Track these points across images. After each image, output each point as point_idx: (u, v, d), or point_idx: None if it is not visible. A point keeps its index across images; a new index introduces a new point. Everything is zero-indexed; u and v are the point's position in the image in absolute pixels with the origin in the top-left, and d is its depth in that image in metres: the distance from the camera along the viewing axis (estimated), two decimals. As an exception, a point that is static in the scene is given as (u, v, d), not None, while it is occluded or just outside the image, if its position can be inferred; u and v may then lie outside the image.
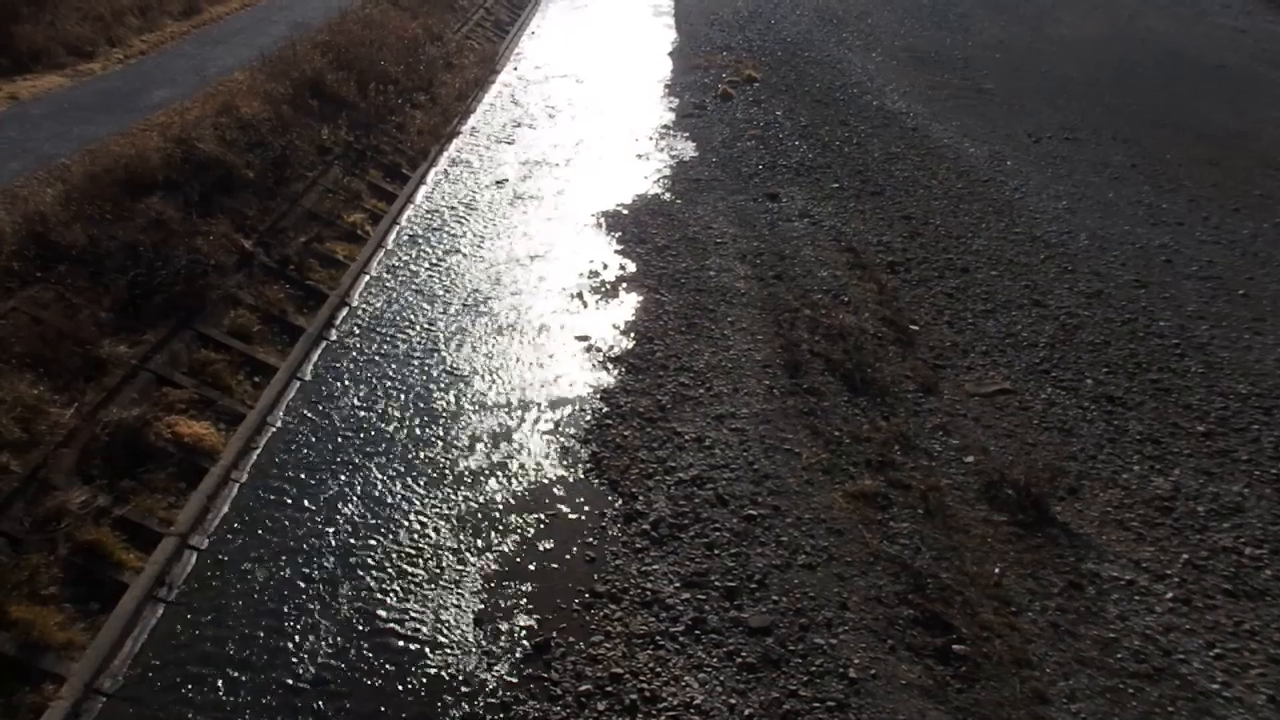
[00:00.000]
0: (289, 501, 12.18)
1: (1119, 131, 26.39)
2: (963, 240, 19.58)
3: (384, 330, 16.15)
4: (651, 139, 25.34)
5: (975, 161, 23.82)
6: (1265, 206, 21.54)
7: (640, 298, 17.11)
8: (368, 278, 17.84)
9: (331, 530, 11.71)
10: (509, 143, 25.23)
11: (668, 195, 21.64)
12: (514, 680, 9.86)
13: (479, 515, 12.05)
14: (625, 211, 20.72)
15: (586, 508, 12.19)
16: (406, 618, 10.56)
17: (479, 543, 11.61)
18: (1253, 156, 24.70)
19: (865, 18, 40.77)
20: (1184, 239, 19.85)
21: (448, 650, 10.21)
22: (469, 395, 14.46)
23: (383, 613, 10.61)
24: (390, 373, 14.95)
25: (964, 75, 32.06)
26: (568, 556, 11.44)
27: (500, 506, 12.23)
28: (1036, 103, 28.96)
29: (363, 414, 13.94)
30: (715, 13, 41.08)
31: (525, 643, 10.28)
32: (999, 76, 31.98)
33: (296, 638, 10.29)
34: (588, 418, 13.90)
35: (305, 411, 13.98)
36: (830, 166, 23.35)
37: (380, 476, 12.64)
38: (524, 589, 10.97)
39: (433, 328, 16.26)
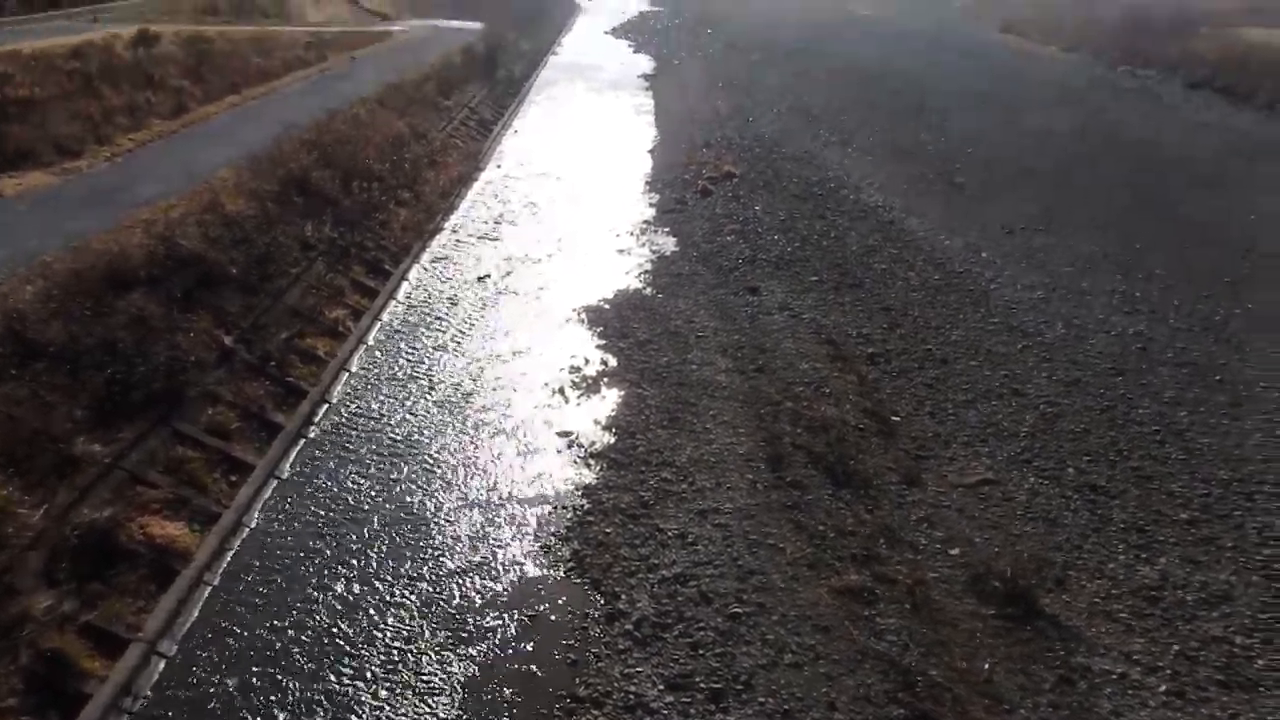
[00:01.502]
0: (262, 606, 11.92)
1: (1090, 221, 26.87)
2: (941, 331, 19.73)
3: (364, 427, 16.04)
4: (633, 234, 25.63)
5: (951, 253, 24.14)
6: (1235, 293, 21.85)
7: (622, 392, 17.09)
8: (348, 374, 17.79)
9: (306, 636, 11.43)
10: (492, 239, 25.47)
11: (649, 289, 21.80)
12: (493, 789, 9.54)
13: (459, 617, 11.81)
14: (607, 306, 20.83)
15: (568, 607, 11.98)
16: (383, 724, 10.26)
17: (459, 646, 11.36)
18: (1221, 244, 25.16)
19: (841, 114, 41.76)
20: (1158, 326, 20.06)
21: (425, 758, 9.90)
22: (449, 493, 14.31)
23: None
24: (370, 471, 14.80)
25: (938, 169, 32.72)
26: (549, 659, 11.19)
27: (481, 608, 11.99)
28: (1009, 194, 29.53)
29: (341, 514, 13.75)
30: (695, 111, 42.01)
31: (505, 749, 9.98)
32: (972, 169, 32.65)
33: (268, 747, 9.96)
34: (569, 514, 13.75)
35: (282, 511, 13.78)
36: (809, 260, 23.62)
37: (358, 579, 12.41)
38: (505, 694, 10.69)
39: (413, 425, 16.16)
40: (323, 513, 13.75)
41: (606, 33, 76.43)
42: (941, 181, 31.28)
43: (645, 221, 26.78)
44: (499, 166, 32.95)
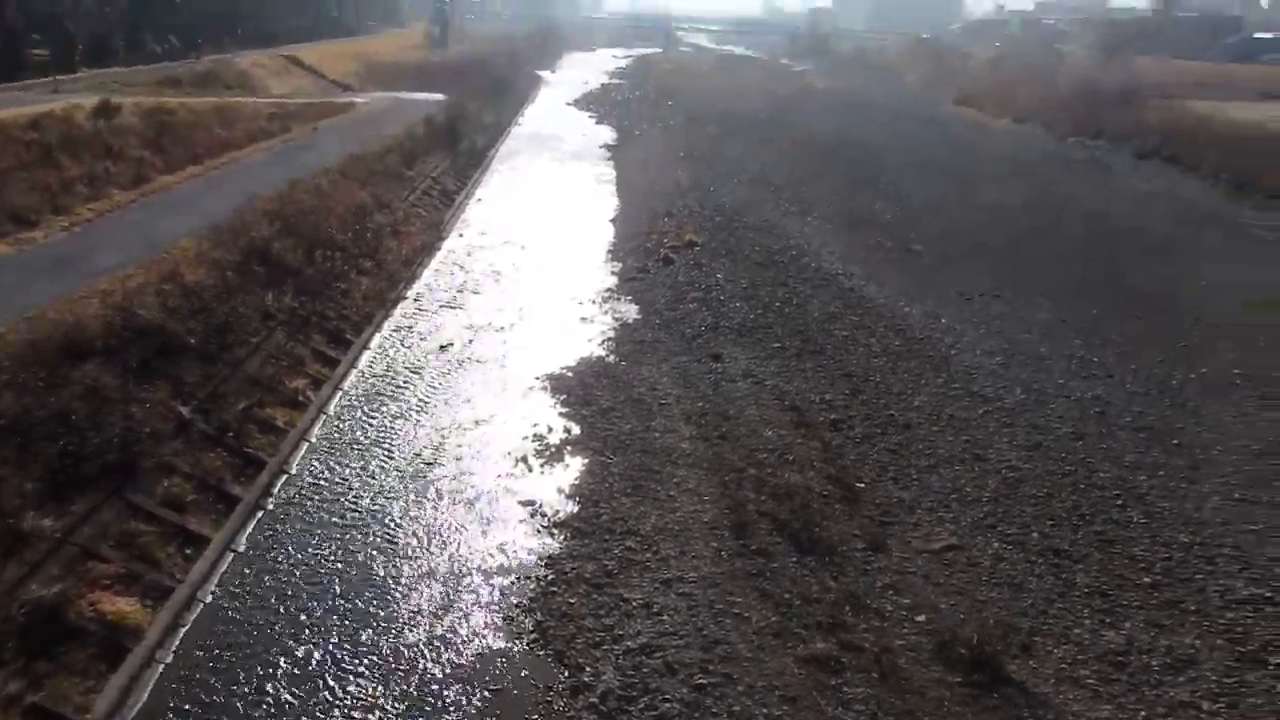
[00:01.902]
0: (216, 684, 11.57)
1: (1046, 289, 27.37)
2: (903, 397, 19.88)
3: (323, 499, 15.79)
4: (595, 303, 25.74)
5: (911, 320, 24.45)
6: (1189, 358, 22.26)
7: (585, 461, 16.99)
8: (308, 444, 17.56)
9: (260, 713, 11.10)
10: (455, 307, 25.47)
11: (612, 358, 21.83)
12: None
13: (420, 694, 11.52)
14: (570, 374, 20.81)
15: (531, 680, 11.74)
16: (339, 806, 9.93)
17: (418, 721, 11.07)
18: (1174, 310, 25.70)
19: (800, 185, 42.48)
20: (1115, 391, 20.35)
21: (383, 841, 9.58)
22: (410, 565, 14.06)
23: (314, 801, 9.97)
24: (329, 543, 14.53)
25: (897, 237, 33.28)
26: (512, 734, 10.94)
27: (442, 680, 11.72)
28: (966, 262, 30.05)
29: (298, 587, 13.45)
30: (656, 181, 42.55)
31: (466, 830, 9.68)
32: (930, 238, 33.23)
33: (220, 832, 9.61)
34: (532, 585, 13.55)
35: (238, 585, 13.47)
36: (771, 327, 23.80)
37: (315, 656, 12.11)
38: (465, 770, 10.41)
39: (373, 496, 15.93)
40: (280, 585, 13.45)
41: (568, 104, 77.53)
42: (900, 250, 31.79)
43: (608, 289, 26.92)
44: (462, 235, 33.09)
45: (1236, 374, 21.41)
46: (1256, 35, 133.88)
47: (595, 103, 78.32)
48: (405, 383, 20.56)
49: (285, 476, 16.36)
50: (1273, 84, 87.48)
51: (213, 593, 13.26)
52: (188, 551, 13.67)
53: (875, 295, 26.45)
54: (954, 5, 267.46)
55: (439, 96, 55.40)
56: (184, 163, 32.99)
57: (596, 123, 65.62)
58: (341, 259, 24.69)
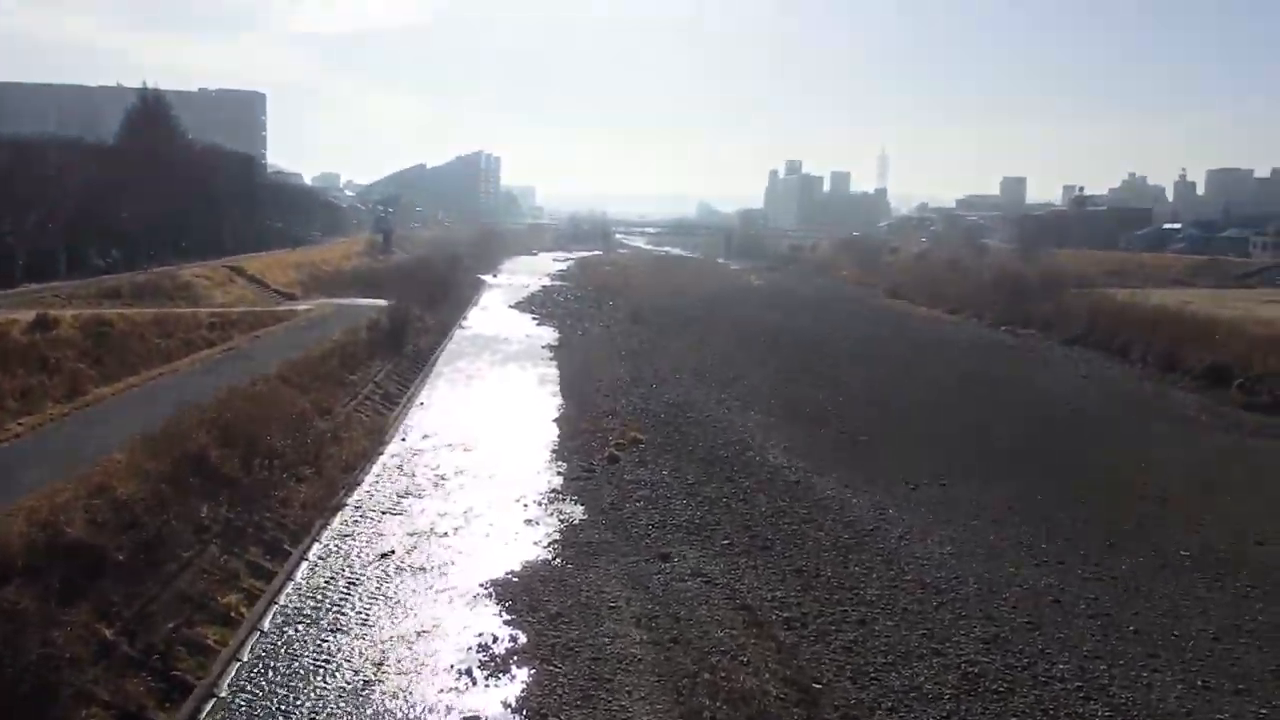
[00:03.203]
0: None
1: (990, 474, 27.64)
2: (856, 591, 19.58)
3: (255, 723, 14.86)
4: (540, 504, 25.39)
5: (858, 512, 24.40)
6: (1137, 538, 22.39)
7: (533, 671, 16.30)
8: (240, 664, 16.65)
9: None
10: (396, 513, 24.91)
11: (558, 561, 21.36)
12: None
13: None
14: (515, 579, 20.26)
15: None
16: None
17: None
18: (1118, 490, 26.03)
19: (740, 379, 43.17)
20: (1068, 578, 20.26)
21: None
22: (347, 793, 13.14)
23: None
24: (259, 772, 13.57)
25: (839, 428, 33.67)
26: None
27: None
28: (910, 451, 30.36)
29: (225, 824, 12.45)
30: (598, 379, 42.97)
31: None
32: (871, 427, 33.67)
33: None
34: (478, 811, 12.69)
35: (158, 826, 12.43)
36: (719, 524, 23.58)
37: None
38: None
39: (310, 718, 15.03)
40: (204, 826, 12.44)
41: (511, 306, 78.99)
42: (843, 440, 32.09)
43: (553, 490, 26.62)
44: (404, 440, 32.78)
45: (1184, 555, 21.56)
46: (1165, 225, 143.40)
47: (537, 304, 79.93)
48: (345, 594, 19.80)
49: (214, 700, 15.40)
50: (1181, 270, 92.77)
51: (129, 837, 12.21)
52: (104, 791, 12.66)
53: (821, 487, 26.47)
54: (880, 203, 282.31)
55: (382, 302, 56.14)
56: (121, 374, 32.63)
57: (539, 324, 66.76)
58: (280, 467, 24.20)
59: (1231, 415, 36.85)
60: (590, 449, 30.78)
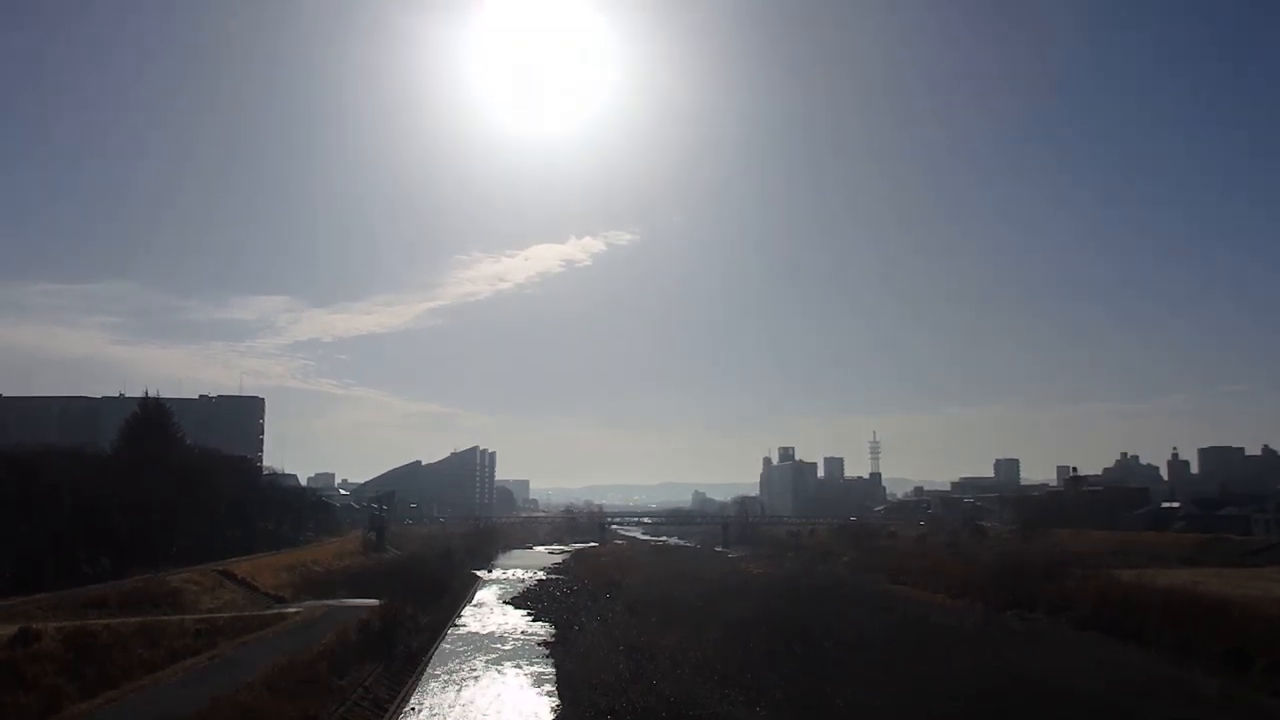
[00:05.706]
0: None
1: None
2: None
3: None
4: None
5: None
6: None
7: None
8: None
9: None
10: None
11: None
12: None
13: None
14: None
15: None
16: None
17: None
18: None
19: (745, 670, 41.52)
20: None
21: None
22: None
23: None
24: None
25: (849, 723, 32.05)
26: None
27: None
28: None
29: None
30: (597, 676, 41.33)
31: None
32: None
33: None
34: None
35: None
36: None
37: None
38: None
39: None
40: None
41: (507, 602, 77.34)
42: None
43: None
44: (394, 749, 31.08)
45: None
46: (1164, 505, 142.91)
47: (533, 599, 78.28)
48: None
49: None
50: (1185, 550, 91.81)
51: None
52: None
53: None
54: (874, 488, 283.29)
55: (374, 601, 55.03)
56: (101, 687, 31.43)
57: (534, 620, 65.15)
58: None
59: (1258, 700, 35.40)
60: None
